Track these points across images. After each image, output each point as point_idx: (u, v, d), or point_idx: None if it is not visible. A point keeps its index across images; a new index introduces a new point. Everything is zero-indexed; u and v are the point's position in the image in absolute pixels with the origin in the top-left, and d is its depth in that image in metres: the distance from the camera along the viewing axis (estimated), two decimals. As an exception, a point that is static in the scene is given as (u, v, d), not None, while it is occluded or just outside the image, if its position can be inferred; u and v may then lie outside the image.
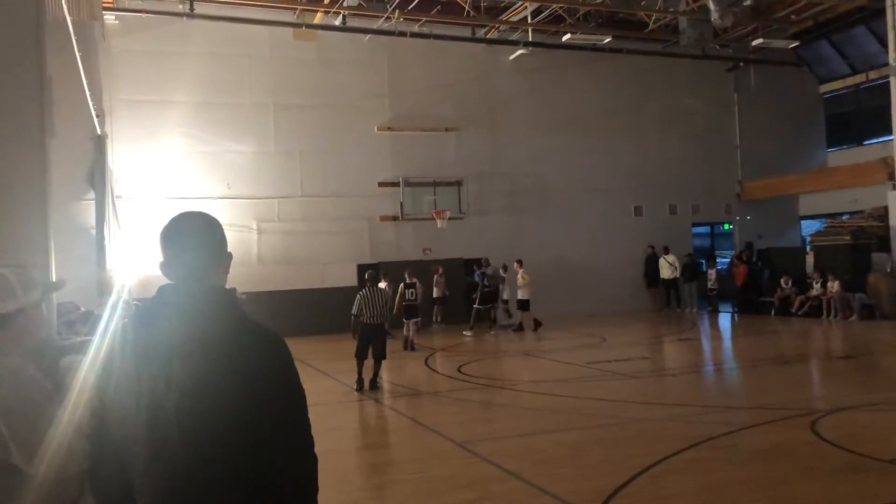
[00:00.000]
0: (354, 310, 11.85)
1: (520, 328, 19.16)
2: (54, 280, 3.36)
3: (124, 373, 2.06)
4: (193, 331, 2.01)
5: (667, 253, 23.16)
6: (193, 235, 2.15)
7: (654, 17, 22.08)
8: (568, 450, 7.59)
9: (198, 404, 1.95)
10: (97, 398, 2.14)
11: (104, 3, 17.26)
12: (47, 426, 2.31)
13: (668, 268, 23.09)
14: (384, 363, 11.98)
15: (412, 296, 16.89)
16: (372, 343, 11.67)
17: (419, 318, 17.28)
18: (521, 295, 19.02)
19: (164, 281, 2.16)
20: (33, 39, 3.37)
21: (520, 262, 19.15)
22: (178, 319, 2.04)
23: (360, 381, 11.62)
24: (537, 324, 19.15)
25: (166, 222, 2.17)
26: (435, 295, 19.48)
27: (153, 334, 2.05)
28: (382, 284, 18.24)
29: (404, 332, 16.76)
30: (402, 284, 17.10)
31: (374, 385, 11.66)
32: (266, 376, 2.01)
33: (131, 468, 2.04)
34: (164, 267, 2.13)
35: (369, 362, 11.69)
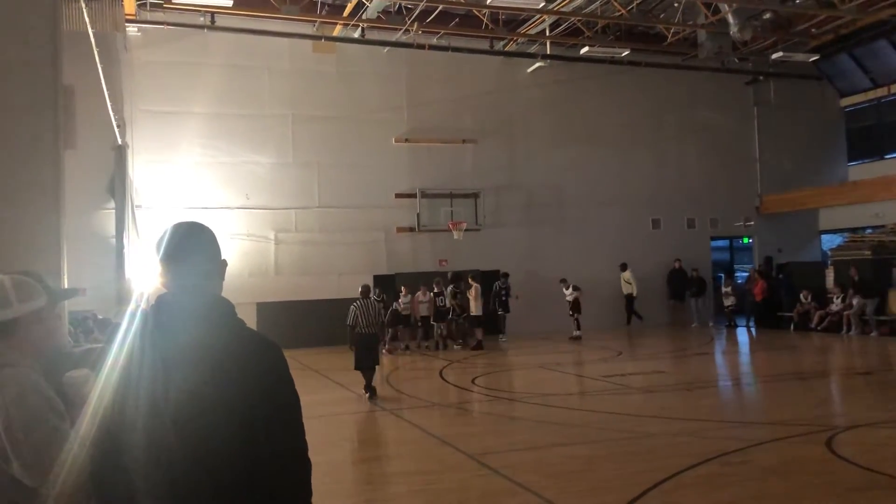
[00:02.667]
0: (350, 321, 12.22)
1: (478, 346, 18.28)
2: (66, 288, 3.38)
3: (126, 381, 2.10)
4: (192, 339, 2.05)
5: (624, 270, 22.46)
6: (193, 249, 2.21)
7: (672, 30, 22.05)
8: (580, 464, 7.56)
9: (195, 411, 1.99)
10: (102, 406, 2.17)
11: (127, 15, 17.51)
12: (51, 438, 2.30)
13: (625, 285, 22.52)
14: (402, 374, 11.99)
15: (441, 302, 18.76)
16: (369, 353, 12.12)
17: (447, 321, 18.94)
18: (473, 311, 18.45)
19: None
20: (49, 51, 3.43)
21: (473, 278, 18.70)
22: (177, 328, 2.08)
23: (369, 387, 11.90)
24: (479, 344, 18.36)
25: (163, 234, 2.21)
26: (422, 313, 18.83)
27: (153, 343, 2.08)
28: (424, 294, 18.48)
29: (436, 332, 18.88)
30: (431, 293, 18.77)
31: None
32: (261, 384, 2.05)
33: (133, 474, 2.07)
34: (164, 278, 2.17)
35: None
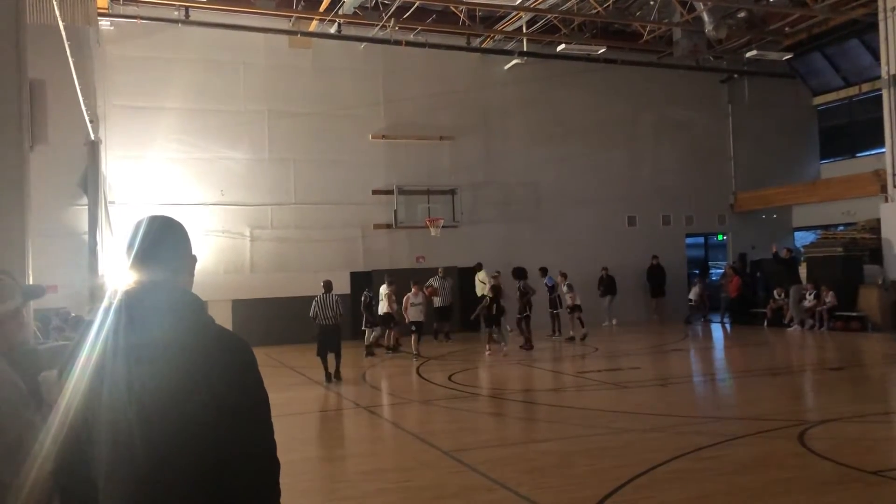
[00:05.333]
0: (311, 313, 13.49)
1: (394, 347, 17.46)
2: (35, 285, 3.34)
3: (94, 377, 2.06)
4: (160, 335, 2.02)
5: (480, 269, 20.48)
6: (164, 244, 2.18)
7: (648, 28, 22.18)
8: (555, 459, 7.58)
9: (162, 409, 1.95)
10: (69, 402, 2.14)
11: (99, 8, 17.26)
12: (24, 432, 2.28)
13: (479, 286, 20.21)
14: (374, 361, 12.01)
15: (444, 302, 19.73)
16: (329, 342, 13.29)
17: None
18: (381, 309, 17.28)
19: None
20: (11, 45, 3.34)
21: (389, 283, 17.29)
22: (146, 324, 2.04)
23: (328, 375, 13.19)
24: (396, 345, 17.56)
25: (135, 229, 2.17)
26: (415, 317, 17.05)
27: (122, 339, 2.04)
28: (416, 295, 17.27)
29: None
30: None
31: (339, 377, 13.27)
32: (229, 381, 2.01)
33: (95, 471, 2.03)
34: (134, 273, 2.14)
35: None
